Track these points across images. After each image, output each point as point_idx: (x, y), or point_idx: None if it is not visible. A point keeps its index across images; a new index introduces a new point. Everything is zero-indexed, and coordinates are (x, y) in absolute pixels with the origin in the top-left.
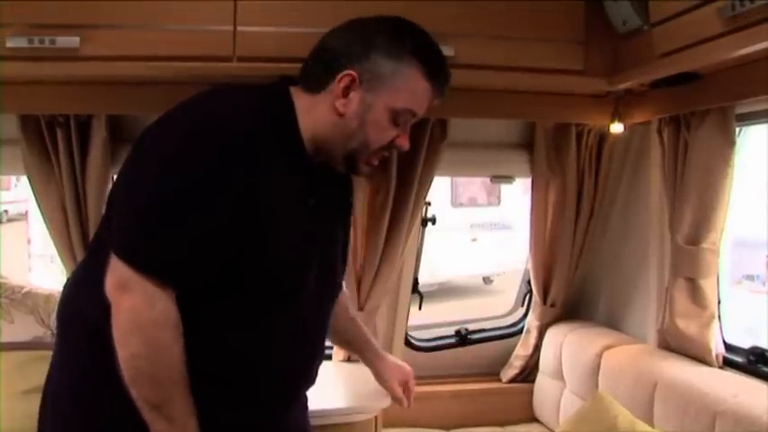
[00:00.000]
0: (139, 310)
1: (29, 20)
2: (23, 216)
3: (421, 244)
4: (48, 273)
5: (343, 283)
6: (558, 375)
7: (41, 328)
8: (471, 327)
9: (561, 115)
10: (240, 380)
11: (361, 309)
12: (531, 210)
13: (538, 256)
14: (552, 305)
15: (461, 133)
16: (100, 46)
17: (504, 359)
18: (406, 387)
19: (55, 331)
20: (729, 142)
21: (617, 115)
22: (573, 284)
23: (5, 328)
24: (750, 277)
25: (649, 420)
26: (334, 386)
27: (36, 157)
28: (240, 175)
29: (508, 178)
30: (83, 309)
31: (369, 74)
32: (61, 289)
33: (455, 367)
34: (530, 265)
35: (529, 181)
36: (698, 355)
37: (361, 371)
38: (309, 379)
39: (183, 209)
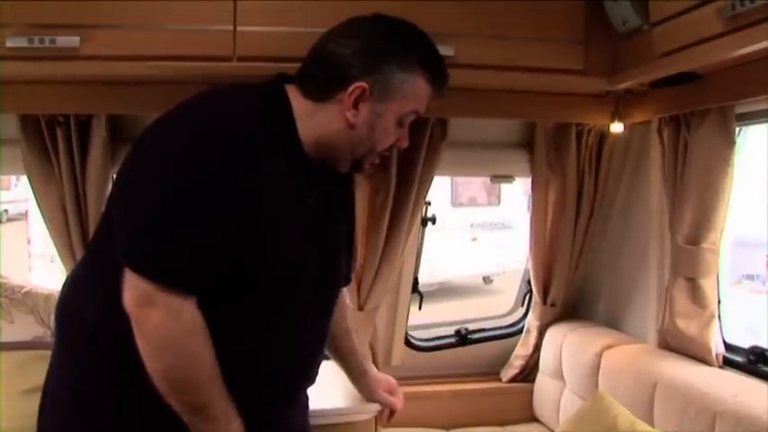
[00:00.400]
0: (167, 323)
1: (29, 20)
2: (23, 216)
3: (421, 244)
4: (48, 273)
5: (347, 287)
6: (558, 375)
7: (41, 328)
8: (471, 326)
9: (561, 115)
10: (242, 380)
11: (360, 308)
12: (531, 209)
13: (538, 255)
14: (552, 305)
15: (461, 133)
16: (100, 46)
17: (504, 359)
18: (393, 395)
19: (54, 331)
20: (729, 142)
21: (617, 115)
22: (573, 284)
23: (5, 328)
24: (750, 277)
25: (649, 420)
26: (334, 386)
27: (36, 156)
28: (242, 176)
29: (508, 178)
30: (81, 308)
31: (380, 84)
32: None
33: (455, 367)
34: (530, 265)
35: (529, 181)
36: (698, 355)
37: None
38: (310, 378)
39: (195, 215)
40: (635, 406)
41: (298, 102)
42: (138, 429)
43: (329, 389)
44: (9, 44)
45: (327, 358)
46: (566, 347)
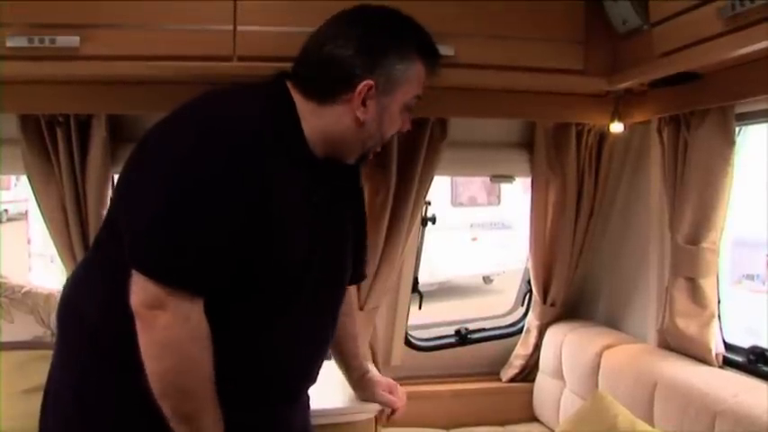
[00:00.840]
0: (174, 326)
1: (29, 20)
2: (23, 216)
3: (421, 243)
4: (48, 272)
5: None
6: (558, 375)
7: (41, 328)
8: (471, 326)
9: (561, 115)
10: (246, 380)
11: (361, 308)
12: (531, 209)
13: (538, 255)
14: (552, 304)
15: (461, 133)
16: (100, 46)
17: (504, 359)
18: (393, 395)
19: (55, 331)
20: (729, 142)
21: (617, 115)
22: (573, 284)
23: (5, 328)
24: (750, 277)
25: (649, 420)
26: (334, 386)
27: (36, 156)
28: (249, 175)
29: (508, 178)
30: (82, 308)
31: (383, 78)
32: (61, 289)
33: (455, 367)
34: (530, 265)
35: (529, 180)
36: (698, 355)
37: None
38: (313, 378)
39: (202, 216)
40: (635, 406)
41: (300, 101)
42: (138, 429)
43: (329, 389)
44: (9, 44)
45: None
46: (566, 347)
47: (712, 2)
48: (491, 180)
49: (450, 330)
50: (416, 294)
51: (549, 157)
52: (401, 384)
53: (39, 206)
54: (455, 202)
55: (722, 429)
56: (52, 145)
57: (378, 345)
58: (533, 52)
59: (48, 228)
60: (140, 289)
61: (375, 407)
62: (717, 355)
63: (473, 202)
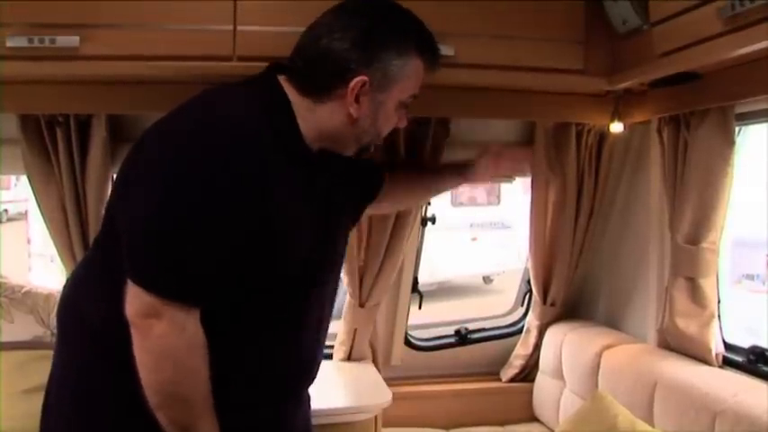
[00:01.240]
0: (170, 335)
1: (29, 19)
2: (23, 215)
3: (421, 243)
4: (48, 272)
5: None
6: (558, 375)
7: (41, 328)
8: (471, 326)
9: (561, 114)
10: (246, 380)
11: (362, 305)
12: (531, 209)
13: (538, 255)
14: (552, 304)
15: (462, 132)
16: (100, 46)
17: (503, 358)
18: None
19: (55, 331)
20: (729, 142)
21: (617, 115)
22: (573, 284)
23: (5, 328)
24: (750, 277)
25: (649, 420)
26: (334, 386)
27: (36, 156)
28: (249, 177)
29: (508, 177)
30: (82, 309)
31: (379, 74)
32: (61, 289)
33: (455, 367)
34: (529, 265)
35: (528, 180)
36: (698, 355)
37: (361, 371)
38: (313, 375)
39: (202, 226)
40: (635, 406)
41: (295, 97)
42: (138, 429)
43: (329, 388)
44: (9, 44)
45: (328, 358)
46: (566, 347)
47: (712, 2)
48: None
49: (450, 330)
50: (416, 294)
51: (549, 157)
52: (401, 384)
53: (39, 206)
54: (455, 202)
55: (722, 429)
56: (52, 145)
57: (378, 344)
58: (533, 52)
59: (48, 228)
60: (135, 298)
61: (375, 407)
62: (717, 354)
63: (473, 202)
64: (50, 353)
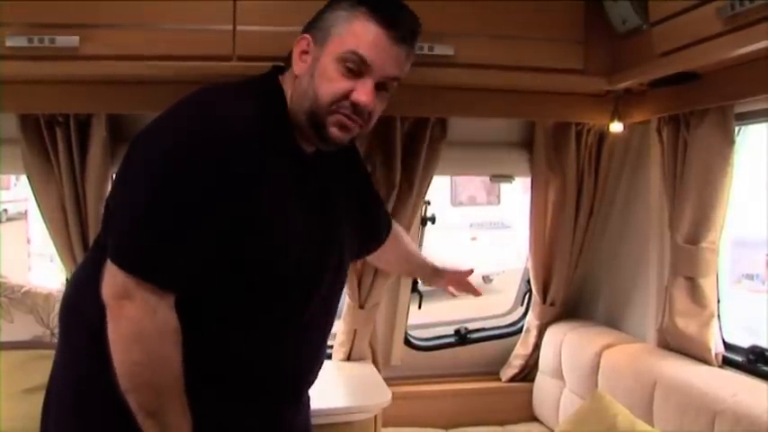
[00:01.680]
0: (141, 318)
1: (29, 19)
2: (23, 215)
3: (420, 243)
4: (47, 272)
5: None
6: (558, 374)
7: (41, 328)
8: (471, 326)
9: (561, 114)
10: (246, 380)
11: (361, 306)
12: (531, 209)
13: (537, 255)
14: (552, 304)
15: (461, 132)
16: (100, 45)
17: (503, 358)
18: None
19: (55, 331)
20: (729, 141)
21: (616, 114)
22: (572, 283)
23: (5, 328)
24: (750, 276)
25: (649, 419)
26: (334, 386)
27: (36, 156)
28: (238, 175)
29: (508, 177)
30: (83, 310)
31: (318, 31)
32: (62, 289)
33: (455, 366)
34: (529, 264)
35: (528, 180)
36: (697, 355)
37: (361, 371)
38: (314, 376)
39: (183, 215)
40: (634, 405)
41: (287, 87)
42: (139, 429)
43: (329, 388)
44: (9, 44)
45: (327, 358)
46: (565, 347)
47: (712, 2)
48: (491, 180)
49: (450, 330)
50: (416, 294)
51: (549, 157)
52: (401, 384)
53: (38, 206)
54: (455, 202)
55: (722, 429)
56: (52, 145)
57: (377, 344)
58: (533, 52)
59: (47, 227)
60: (110, 276)
61: (375, 407)
62: (716, 354)
63: (473, 202)
64: (50, 352)
